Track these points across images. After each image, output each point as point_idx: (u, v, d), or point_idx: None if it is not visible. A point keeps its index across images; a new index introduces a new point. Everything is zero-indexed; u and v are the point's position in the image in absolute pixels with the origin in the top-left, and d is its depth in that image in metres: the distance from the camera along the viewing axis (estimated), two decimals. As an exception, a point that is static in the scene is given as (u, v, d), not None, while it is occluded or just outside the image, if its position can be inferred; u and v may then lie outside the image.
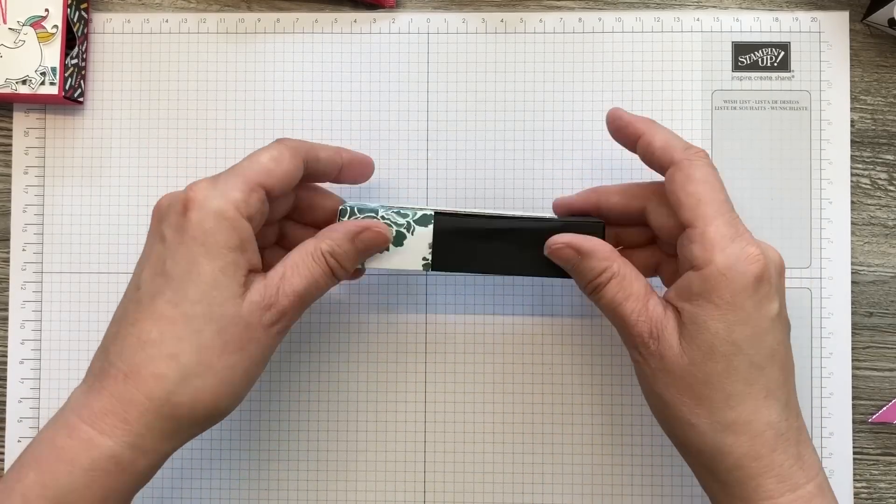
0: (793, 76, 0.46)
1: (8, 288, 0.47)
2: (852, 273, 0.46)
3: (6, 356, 0.47)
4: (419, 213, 0.39)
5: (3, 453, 0.47)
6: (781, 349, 0.36)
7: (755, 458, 0.35)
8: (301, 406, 0.46)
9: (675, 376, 0.36)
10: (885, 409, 0.46)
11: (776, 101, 0.46)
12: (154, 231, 0.37)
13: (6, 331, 0.47)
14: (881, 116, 0.47)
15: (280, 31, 0.47)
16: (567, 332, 0.46)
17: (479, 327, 0.46)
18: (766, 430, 0.35)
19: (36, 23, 0.45)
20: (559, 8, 0.47)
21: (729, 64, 0.46)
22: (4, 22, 0.45)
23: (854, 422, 0.46)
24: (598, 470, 0.46)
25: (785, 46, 0.46)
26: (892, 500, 0.46)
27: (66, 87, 0.45)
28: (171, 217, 0.36)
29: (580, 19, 0.47)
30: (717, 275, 0.35)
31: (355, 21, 0.47)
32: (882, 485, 0.46)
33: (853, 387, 0.46)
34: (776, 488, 0.35)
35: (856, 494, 0.46)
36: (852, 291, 0.46)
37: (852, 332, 0.46)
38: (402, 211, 0.39)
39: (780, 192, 0.46)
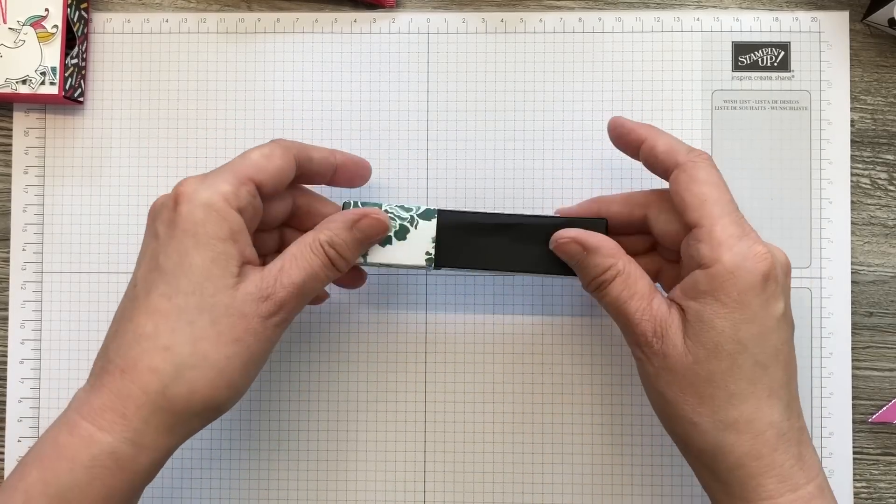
0: (793, 76, 0.46)
1: (8, 288, 0.47)
2: (852, 273, 0.46)
3: (6, 356, 0.47)
4: (423, 208, 0.39)
5: (3, 453, 0.47)
6: (785, 349, 0.36)
7: (756, 458, 0.35)
8: (301, 406, 0.46)
9: (679, 374, 0.36)
10: (885, 409, 0.46)
11: (776, 101, 0.46)
12: (148, 229, 0.37)
13: (6, 331, 0.47)
14: (881, 116, 0.47)
15: (280, 31, 0.47)
16: (567, 331, 0.46)
17: (479, 327, 0.46)
18: (767, 429, 0.35)
19: (36, 22, 0.45)
20: (559, 8, 0.47)
21: (729, 64, 0.46)
22: (4, 22, 0.45)
23: (854, 422, 0.46)
24: (598, 470, 0.46)
25: (785, 46, 0.46)
26: (892, 500, 0.46)
27: (66, 87, 0.45)
28: (163, 214, 0.36)
29: (580, 19, 0.47)
30: (724, 273, 0.35)
31: (355, 21, 0.47)
32: (882, 485, 0.46)
33: (853, 387, 0.46)
34: (777, 488, 0.35)
35: (856, 494, 0.46)
36: (852, 291, 0.46)
37: (852, 332, 0.46)
38: (405, 205, 0.40)
39: (780, 192, 0.46)
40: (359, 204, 0.40)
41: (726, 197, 0.37)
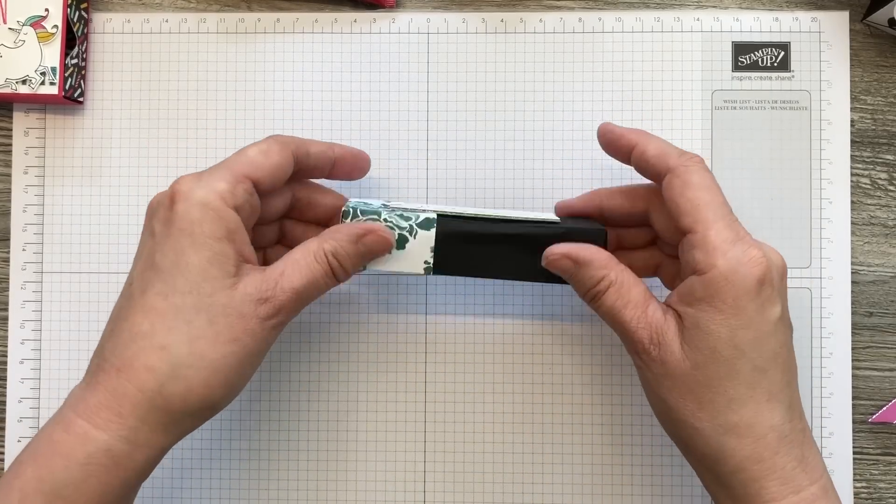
0: (793, 76, 0.46)
1: (8, 288, 0.47)
2: (852, 273, 0.46)
3: (6, 356, 0.47)
4: (422, 217, 0.39)
5: (3, 453, 0.47)
6: (784, 352, 0.36)
7: (758, 461, 0.35)
8: (301, 406, 0.46)
9: (677, 380, 0.36)
10: (885, 409, 0.46)
11: (776, 101, 0.46)
12: (145, 227, 0.37)
13: (6, 331, 0.47)
14: (881, 116, 0.47)
15: (280, 31, 0.47)
16: (567, 333, 0.46)
17: (479, 328, 0.46)
18: (768, 432, 0.35)
19: (36, 23, 0.45)
20: (559, 8, 0.47)
21: (729, 64, 0.46)
22: (4, 22, 0.45)
23: (854, 422, 0.46)
24: (598, 470, 0.46)
25: (785, 46, 0.46)
26: (892, 500, 0.46)
27: (66, 87, 0.45)
28: (159, 212, 0.36)
29: (580, 19, 0.47)
30: (719, 279, 0.35)
31: (355, 21, 0.47)
32: (882, 485, 0.46)
33: (853, 387, 0.46)
34: (779, 491, 0.35)
35: (856, 494, 0.46)
36: (852, 291, 0.46)
37: (852, 332, 0.46)
38: (405, 214, 0.39)
39: (780, 192, 0.46)
40: (358, 211, 0.39)
41: (719, 199, 0.37)
